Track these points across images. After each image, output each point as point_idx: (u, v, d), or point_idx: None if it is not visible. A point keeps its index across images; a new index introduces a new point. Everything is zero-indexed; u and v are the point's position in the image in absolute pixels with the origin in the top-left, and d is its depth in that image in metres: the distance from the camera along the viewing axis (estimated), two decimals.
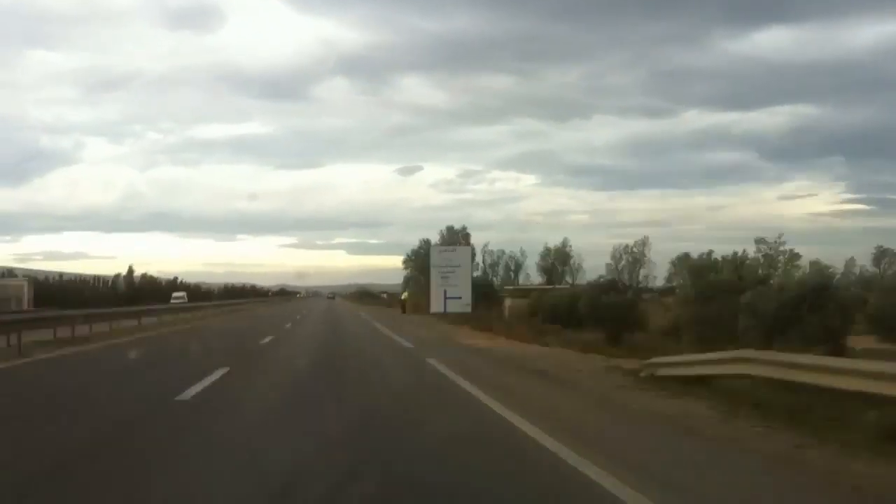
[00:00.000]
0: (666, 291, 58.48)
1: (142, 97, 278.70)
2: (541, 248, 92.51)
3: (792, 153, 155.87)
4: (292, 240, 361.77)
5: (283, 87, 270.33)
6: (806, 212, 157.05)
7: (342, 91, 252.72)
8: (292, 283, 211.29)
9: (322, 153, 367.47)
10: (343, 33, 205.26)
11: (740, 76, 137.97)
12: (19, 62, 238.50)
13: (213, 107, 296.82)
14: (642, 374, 11.02)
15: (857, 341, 16.44)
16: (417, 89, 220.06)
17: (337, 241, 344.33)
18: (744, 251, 38.14)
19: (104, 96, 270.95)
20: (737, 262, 26.43)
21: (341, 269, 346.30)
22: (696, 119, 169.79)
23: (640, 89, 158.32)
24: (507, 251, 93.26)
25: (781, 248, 52.72)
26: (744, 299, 15.54)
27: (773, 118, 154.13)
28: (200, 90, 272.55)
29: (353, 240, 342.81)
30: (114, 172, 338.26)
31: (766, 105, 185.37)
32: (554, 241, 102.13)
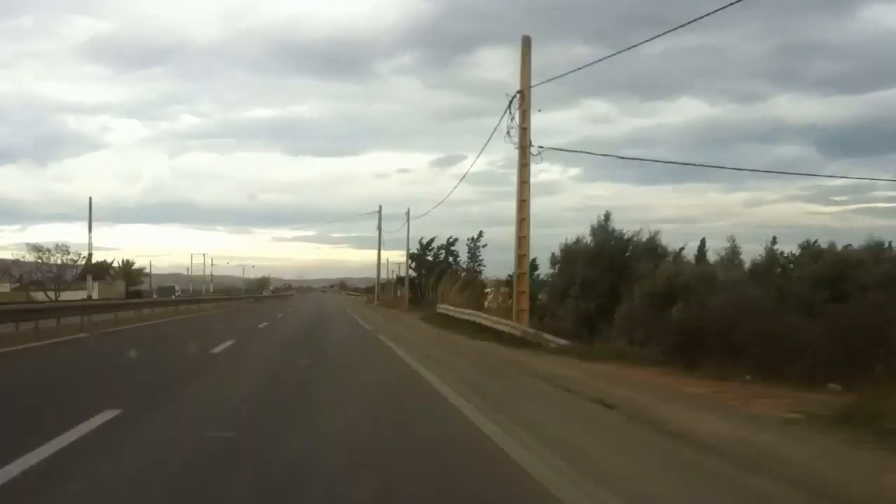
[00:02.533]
0: None
1: (184, 73, 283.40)
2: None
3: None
4: (309, 233, 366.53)
5: (340, 60, 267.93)
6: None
7: (404, 67, 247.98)
8: (308, 277, 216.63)
9: (362, 139, 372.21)
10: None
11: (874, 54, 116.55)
12: (49, 30, 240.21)
13: (260, 86, 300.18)
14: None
15: None
16: (489, 63, 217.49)
17: (352, 234, 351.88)
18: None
19: (142, 72, 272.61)
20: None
21: (349, 263, 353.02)
22: (784, 106, 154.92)
23: (748, 69, 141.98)
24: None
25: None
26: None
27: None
28: (249, 66, 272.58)
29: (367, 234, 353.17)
30: (140, 159, 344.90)
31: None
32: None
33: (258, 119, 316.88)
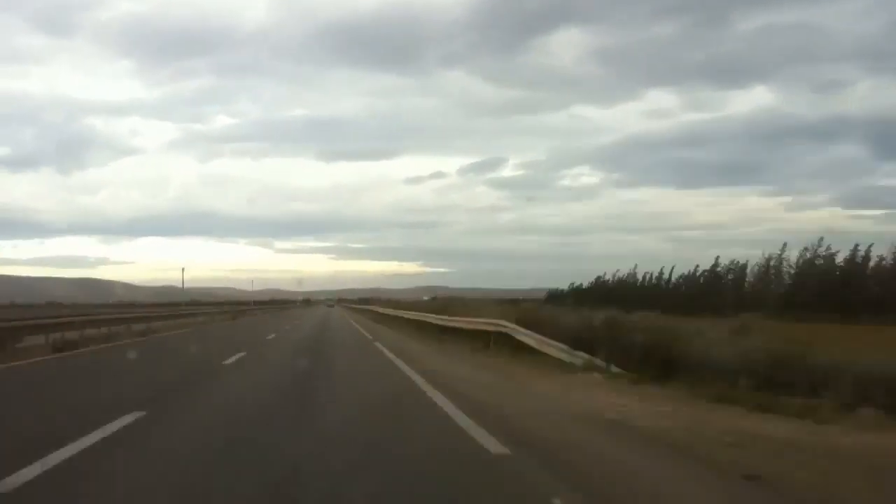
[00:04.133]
0: None
1: (226, 68, 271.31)
2: None
3: None
4: (328, 244, 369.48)
5: (388, 46, 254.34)
6: None
7: (455, 55, 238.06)
8: (325, 287, 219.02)
9: (399, 140, 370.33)
10: None
11: None
12: (73, 19, 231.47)
13: (300, 79, 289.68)
14: None
15: None
16: (561, 49, 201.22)
17: (375, 245, 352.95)
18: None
19: (176, 66, 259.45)
20: None
21: (365, 274, 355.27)
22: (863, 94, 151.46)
23: (841, 50, 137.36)
24: None
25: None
26: None
27: None
28: (292, 57, 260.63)
29: (377, 244, 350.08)
30: (167, 166, 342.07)
31: None
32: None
33: (295, 119, 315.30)
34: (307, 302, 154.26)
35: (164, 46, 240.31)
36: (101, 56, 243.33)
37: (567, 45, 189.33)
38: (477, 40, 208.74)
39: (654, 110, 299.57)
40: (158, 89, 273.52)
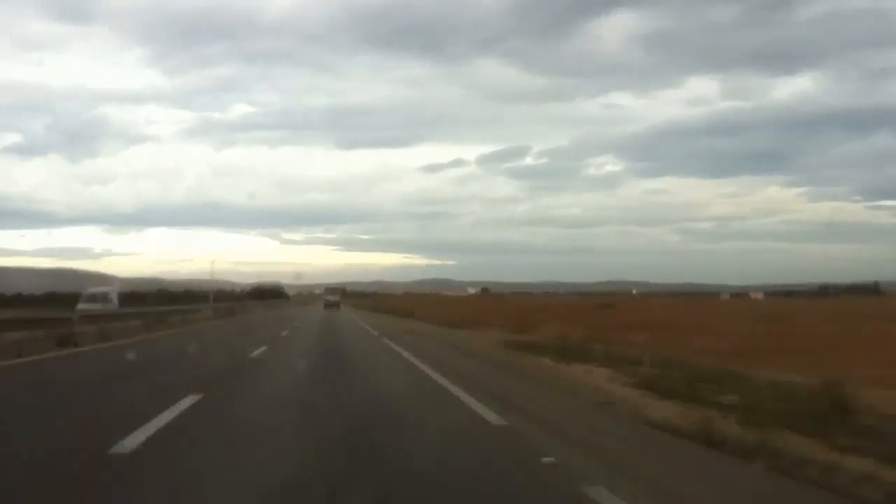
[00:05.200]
0: None
1: (247, 55, 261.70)
2: None
3: None
4: (334, 235, 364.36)
5: (417, 30, 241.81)
6: None
7: (490, 38, 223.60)
8: (325, 280, 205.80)
9: (419, 128, 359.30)
10: None
11: None
12: (90, 5, 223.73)
13: (324, 65, 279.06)
14: None
15: None
16: (610, 35, 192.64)
17: (386, 236, 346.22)
18: None
19: (199, 52, 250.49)
20: None
21: (370, 266, 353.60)
22: None
23: None
24: None
25: None
26: None
27: None
28: (317, 41, 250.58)
29: (385, 236, 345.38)
30: (182, 156, 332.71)
31: None
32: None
33: (316, 107, 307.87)
34: (302, 296, 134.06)
35: (184, 33, 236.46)
36: (118, 43, 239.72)
37: (616, 29, 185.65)
38: (516, 26, 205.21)
39: (692, 98, 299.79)
40: (176, 77, 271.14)
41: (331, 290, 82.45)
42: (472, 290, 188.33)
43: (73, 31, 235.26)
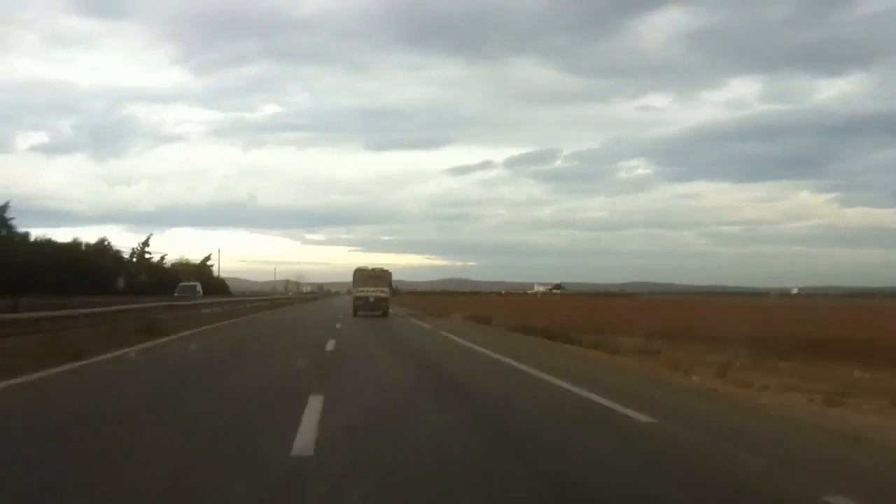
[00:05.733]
0: None
1: (279, 54, 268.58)
2: None
3: None
4: (355, 236, 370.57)
5: (461, 33, 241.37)
6: None
7: (528, 34, 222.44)
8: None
9: (451, 129, 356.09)
10: None
11: None
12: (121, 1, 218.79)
13: (358, 65, 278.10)
14: None
15: None
16: (654, 33, 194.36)
17: (401, 237, 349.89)
18: None
19: (230, 50, 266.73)
20: None
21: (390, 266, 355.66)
22: None
23: None
24: None
25: None
26: None
27: None
28: (352, 37, 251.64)
29: (407, 237, 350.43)
30: (209, 156, 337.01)
31: None
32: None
33: (347, 108, 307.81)
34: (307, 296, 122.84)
35: (215, 31, 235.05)
36: (148, 40, 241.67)
37: (662, 27, 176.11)
38: (557, 24, 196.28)
39: (731, 100, 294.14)
40: (205, 76, 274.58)
41: (368, 275, 39.41)
42: (540, 288, 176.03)
43: (101, 27, 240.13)
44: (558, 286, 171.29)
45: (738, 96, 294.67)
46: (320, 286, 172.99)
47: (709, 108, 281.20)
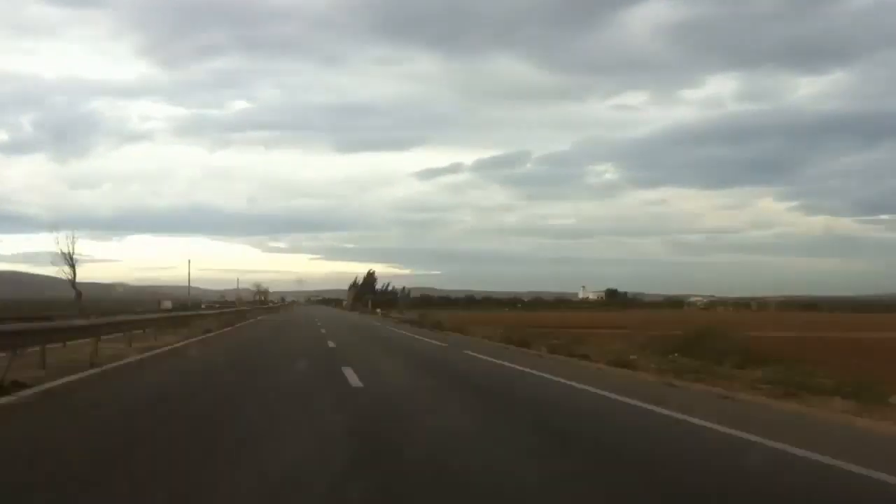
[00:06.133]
0: None
1: (251, 44, 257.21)
2: None
3: None
4: (318, 243, 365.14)
5: (437, 25, 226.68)
6: None
7: (510, 33, 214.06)
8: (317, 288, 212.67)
9: (420, 129, 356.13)
10: None
11: None
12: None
13: (332, 58, 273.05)
14: None
15: None
16: (638, 26, 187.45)
17: (363, 245, 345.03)
18: None
19: (202, 38, 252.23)
20: None
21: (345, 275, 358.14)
22: None
23: None
24: None
25: None
26: None
27: None
28: (327, 27, 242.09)
29: (369, 245, 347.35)
30: (173, 158, 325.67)
31: None
32: None
33: (317, 105, 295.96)
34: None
35: (185, 18, 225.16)
36: (114, 29, 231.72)
37: (645, 20, 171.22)
38: (538, 16, 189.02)
39: (706, 99, 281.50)
40: (173, 68, 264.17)
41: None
42: (588, 295, 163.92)
43: (66, 15, 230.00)
44: (612, 292, 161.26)
45: (714, 95, 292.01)
46: (282, 298, 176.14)
47: (684, 108, 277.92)
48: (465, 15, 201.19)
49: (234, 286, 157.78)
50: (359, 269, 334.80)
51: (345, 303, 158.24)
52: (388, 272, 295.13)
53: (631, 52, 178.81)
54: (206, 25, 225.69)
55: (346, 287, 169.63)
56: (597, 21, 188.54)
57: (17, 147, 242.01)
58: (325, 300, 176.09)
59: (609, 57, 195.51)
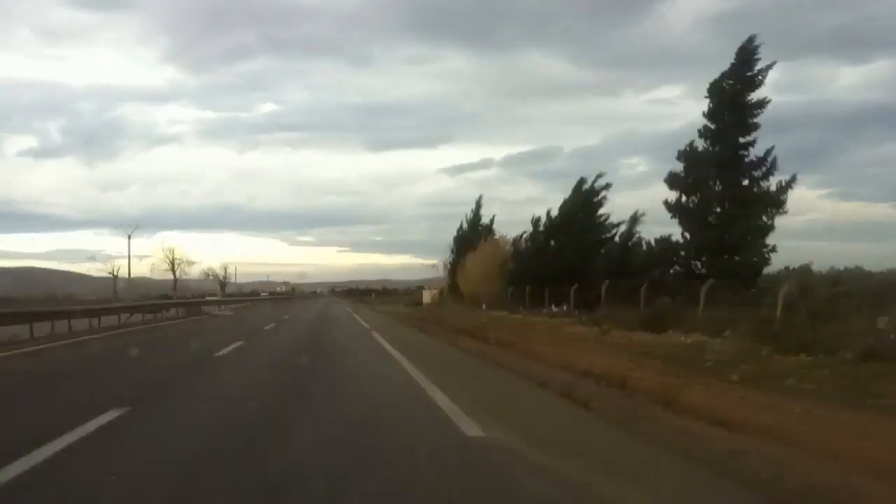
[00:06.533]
0: None
1: (279, 45, 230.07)
2: None
3: None
4: (346, 237, 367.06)
5: (470, 21, 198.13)
6: None
7: (545, 28, 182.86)
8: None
9: (452, 126, 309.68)
10: None
11: None
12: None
13: (364, 58, 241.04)
14: None
15: None
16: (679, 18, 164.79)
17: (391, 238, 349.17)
18: None
19: (229, 40, 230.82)
20: None
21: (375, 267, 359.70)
22: None
23: None
24: None
25: None
26: None
27: None
28: (356, 27, 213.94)
29: (397, 238, 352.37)
30: (201, 158, 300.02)
31: None
32: None
33: (346, 105, 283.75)
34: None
35: (212, 21, 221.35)
36: (142, 34, 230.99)
37: (686, 12, 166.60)
38: (575, 8, 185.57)
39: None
40: (200, 72, 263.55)
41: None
42: None
43: (93, 20, 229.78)
44: None
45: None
46: (292, 288, 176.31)
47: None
48: (498, 10, 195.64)
49: (260, 279, 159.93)
50: (385, 262, 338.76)
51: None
52: (414, 263, 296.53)
53: (669, 45, 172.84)
54: (234, 28, 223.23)
55: (375, 277, 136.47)
56: (635, 13, 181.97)
57: (46, 152, 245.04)
58: (349, 291, 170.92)
59: (646, 51, 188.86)
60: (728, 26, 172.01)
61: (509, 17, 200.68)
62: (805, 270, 24.17)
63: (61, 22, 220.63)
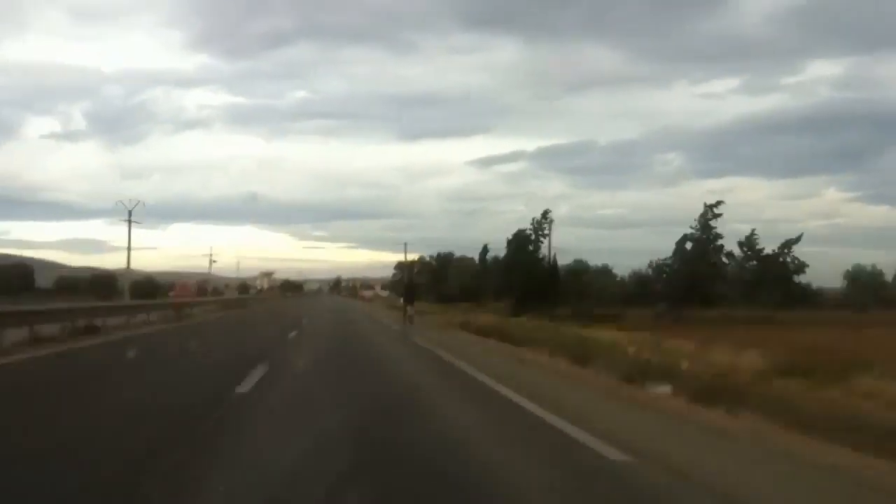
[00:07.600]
0: None
1: (317, 34, 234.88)
2: None
3: None
4: (360, 233, 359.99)
5: (524, 10, 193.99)
6: None
7: (600, 18, 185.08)
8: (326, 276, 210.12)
9: (488, 118, 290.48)
10: None
11: None
12: None
13: (409, 48, 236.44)
14: None
15: None
16: (750, 9, 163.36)
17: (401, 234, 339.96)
18: None
19: (262, 24, 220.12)
20: None
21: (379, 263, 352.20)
22: None
23: None
24: None
25: None
26: None
27: None
28: (399, 20, 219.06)
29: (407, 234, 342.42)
30: (227, 147, 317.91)
31: None
32: None
33: (381, 95, 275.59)
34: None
35: (247, 6, 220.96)
36: (175, 16, 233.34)
37: (763, 4, 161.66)
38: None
39: (802, 83, 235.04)
40: (231, 59, 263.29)
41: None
42: None
43: (126, 2, 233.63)
44: None
45: (810, 82, 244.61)
46: (299, 284, 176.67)
47: (777, 95, 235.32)
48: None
49: (256, 275, 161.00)
50: (395, 259, 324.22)
51: (367, 293, 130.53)
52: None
53: (734, 39, 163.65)
54: (271, 13, 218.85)
55: (387, 275, 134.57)
56: (698, 5, 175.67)
57: (69, 136, 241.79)
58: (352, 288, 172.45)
59: (702, 43, 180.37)
60: (796, 20, 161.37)
61: (563, 5, 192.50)
62: None
63: (94, 2, 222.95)
